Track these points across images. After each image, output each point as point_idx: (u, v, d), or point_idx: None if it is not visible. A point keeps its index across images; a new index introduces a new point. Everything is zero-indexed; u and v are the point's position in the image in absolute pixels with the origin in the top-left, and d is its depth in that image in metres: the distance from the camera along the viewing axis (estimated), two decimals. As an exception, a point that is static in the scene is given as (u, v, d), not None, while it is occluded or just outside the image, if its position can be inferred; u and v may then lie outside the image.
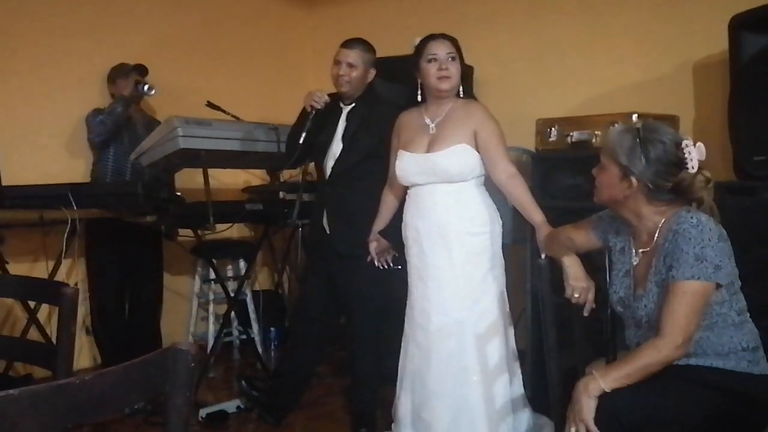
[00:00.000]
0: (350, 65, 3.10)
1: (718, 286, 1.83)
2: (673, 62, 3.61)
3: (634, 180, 1.90)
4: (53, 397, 0.79)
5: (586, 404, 1.76)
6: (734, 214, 2.91)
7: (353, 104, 3.17)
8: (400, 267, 2.97)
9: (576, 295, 2.03)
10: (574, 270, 2.08)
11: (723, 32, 3.07)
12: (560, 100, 3.84)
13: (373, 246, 3.01)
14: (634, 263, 2.02)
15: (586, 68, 3.87)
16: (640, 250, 2.00)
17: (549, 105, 3.77)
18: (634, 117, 3.07)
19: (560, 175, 3.28)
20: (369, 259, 3.02)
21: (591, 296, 2.05)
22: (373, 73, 3.16)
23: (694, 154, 1.86)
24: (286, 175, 4.08)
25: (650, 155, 1.87)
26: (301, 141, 3.14)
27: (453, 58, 2.75)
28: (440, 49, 2.75)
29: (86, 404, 0.82)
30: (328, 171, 3.16)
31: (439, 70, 2.73)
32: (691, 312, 1.79)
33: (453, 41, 2.79)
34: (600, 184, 2.00)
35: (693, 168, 1.86)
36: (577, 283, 2.05)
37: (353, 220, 3.11)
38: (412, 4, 4.57)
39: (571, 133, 3.26)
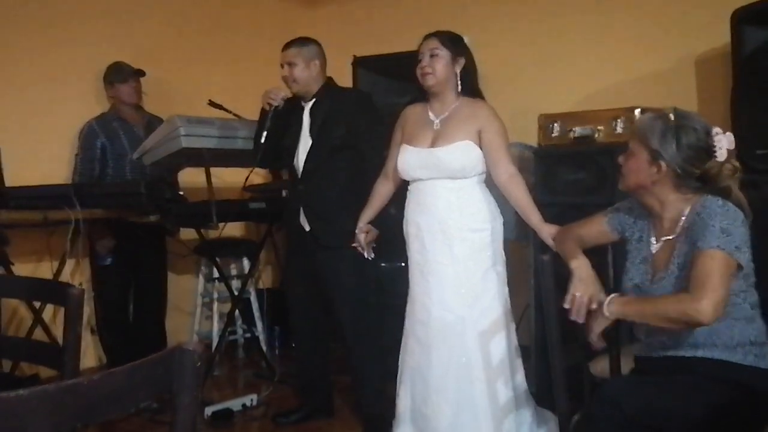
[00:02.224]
0: (290, 64, 3.14)
1: (739, 267, 1.83)
2: (675, 56, 3.60)
3: (663, 164, 1.91)
4: (62, 397, 0.80)
5: (601, 318, 1.86)
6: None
7: (314, 100, 3.18)
8: (403, 264, 2.98)
9: (578, 294, 2.00)
10: (582, 271, 2.05)
11: (725, 26, 3.07)
12: (563, 96, 3.84)
13: (362, 237, 2.98)
14: (654, 251, 2.02)
15: (589, 63, 3.87)
16: (662, 238, 2.00)
17: (551, 100, 3.76)
18: (637, 112, 3.10)
19: (563, 170, 3.28)
20: (353, 247, 2.99)
21: (594, 298, 2.01)
22: (317, 64, 3.17)
23: (724, 142, 1.88)
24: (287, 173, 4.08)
25: (682, 141, 1.89)
26: (263, 140, 3.16)
27: (436, 55, 2.76)
28: (425, 47, 2.79)
29: (94, 404, 0.83)
30: (300, 169, 3.16)
31: (421, 67, 2.77)
32: (720, 276, 1.77)
33: (441, 38, 2.79)
34: (627, 170, 2.01)
35: (722, 156, 1.89)
36: (580, 285, 2.02)
37: (332, 214, 3.12)
38: (415, 2, 4.56)
39: (573, 129, 3.26)
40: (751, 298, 1.90)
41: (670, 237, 1.97)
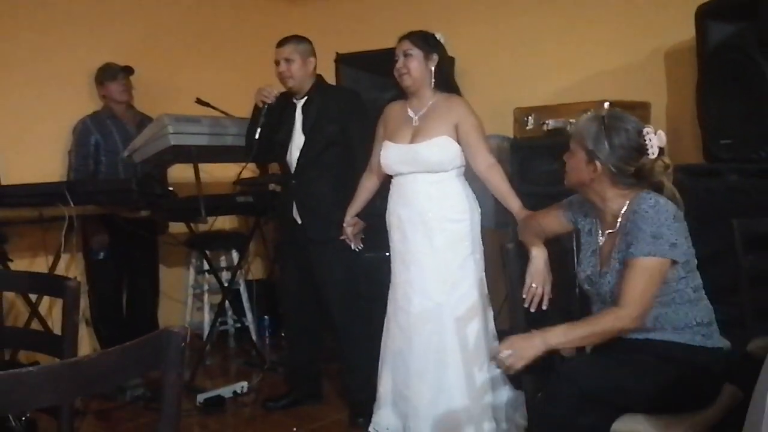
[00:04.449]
0: (287, 60, 3.24)
1: (674, 263, 1.97)
2: (645, 50, 3.71)
3: (598, 164, 2.03)
4: (64, 372, 0.94)
5: (535, 347, 1.92)
6: (702, 195, 3.06)
7: (306, 97, 3.29)
8: (388, 254, 3.12)
9: (534, 285, 2.17)
10: (537, 262, 2.23)
11: (692, 20, 3.18)
12: (538, 89, 3.95)
13: (349, 230, 3.13)
14: (600, 243, 2.15)
15: (563, 57, 3.98)
16: (607, 231, 2.13)
17: (528, 93, 3.87)
18: (606, 105, 3.21)
19: (537, 161, 3.41)
20: (342, 239, 3.13)
21: (548, 288, 2.19)
22: (313, 61, 3.29)
23: (654, 140, 2.01)
24: (274, 167, 4.19)
25: (614, 141, 2.01)
26: (257, 137, 3.27)
27: (409, 55, 2.89)
28: (398, 49, 2.93)
29: (92, 379, 0.96)
30: (294, 164, 3.28)
31: (397, 69, 2.91)
32: (648, 286, 1.94)
33: (413, 38, 2.92)
34: (569, 168, 2.14)
35: (653, 154, 2.01)
36: (537, 276, 2.20)
37: (324, 208, 3.25)
38: (396, -1, 4.67)
39: (547, 121, 3.39)
40: (692, 282, 2.03)
41: (612, 230, 2.11)
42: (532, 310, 2.15)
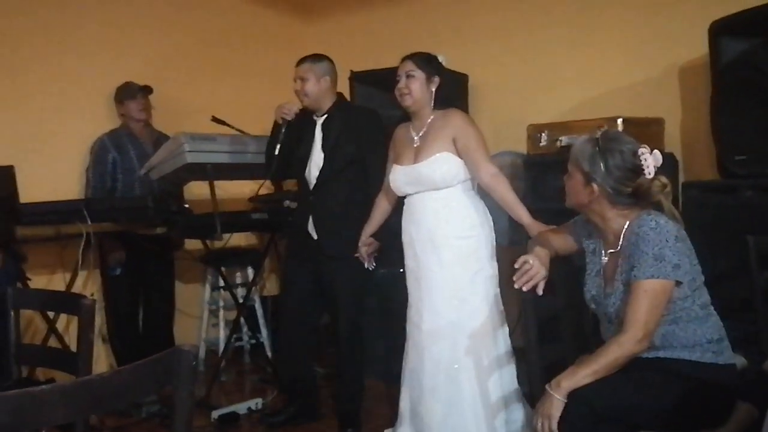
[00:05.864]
0: (302, 79, 3.29)
1: (678, 283, 1.96)
2: (658, 66, 3.72)
3: (595, 186, 2.05)
4: (78, 391, 0.95)
5: (555, 402, 1.90)
6: (716, 212, 3.06)
7: (326, 115, 3.33)
8: (401, 270, 3.13)
9: (531, 261, 2.15)
10: (540, 252, 2.22)
11: (705, 36, 3.19)
12: (551, 105, 3.97)
13: (364, 249, 3.17)
14: (604, 263, 2.16)
15: (576, 74, 3.99)
16: (609, 251, 2.14)
17: (541, 110, 3.89)
18: (619, 121, 3.24)
19: (550, 177, 3.40)
20: (357, 257, 3.17)
21: (540, 275, 2.15)
22: (328, 80, 3.32)
23: (650, 161, 2.02)
24: (289, 184, 4.23)
25: (609, 163, 2.03)
26: (276, 152, 3.32)
27: (411, 76, 2.93)
28: (401, 69, 2.97)
29: (105, 397, 0.98)
30: (313, 180, 3.31)
31: (398, 88, 2.95)
32: (651, 308, 1.93)
33: (416, 59, 2.96)
34: (568, 189, 2.16)
35: (650, 174, 2.02)
36: (536, 258, 2.18)
37: (339, 225, 3.28)
38: (409, 17, 4.70)
39: (560, 138, 3.40)
40: (699, 300, 2.03)
41: (615, 250, 2.11)
42: (516, 286, 2.14)
